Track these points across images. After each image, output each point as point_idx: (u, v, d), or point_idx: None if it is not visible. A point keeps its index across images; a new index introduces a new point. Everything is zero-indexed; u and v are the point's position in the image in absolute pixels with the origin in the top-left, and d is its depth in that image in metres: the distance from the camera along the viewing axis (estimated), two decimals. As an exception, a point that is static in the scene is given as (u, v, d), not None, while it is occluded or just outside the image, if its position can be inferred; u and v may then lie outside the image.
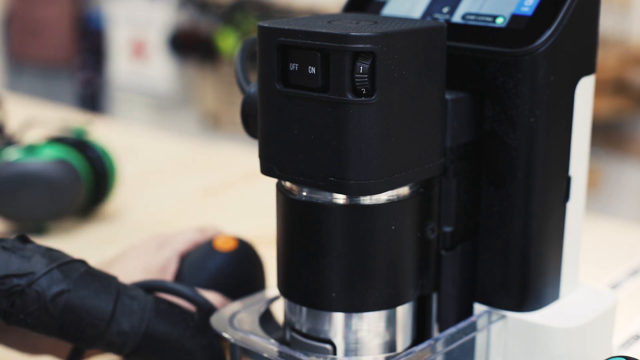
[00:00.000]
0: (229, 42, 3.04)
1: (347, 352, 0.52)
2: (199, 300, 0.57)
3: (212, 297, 0.60)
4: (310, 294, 0.52)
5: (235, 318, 0.56)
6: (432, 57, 0.49)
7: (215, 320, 0.56)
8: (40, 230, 0.92)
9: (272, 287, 0.61)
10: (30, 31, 3.57)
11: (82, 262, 0.54)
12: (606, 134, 2.49)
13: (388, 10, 0.57)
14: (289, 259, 0.52)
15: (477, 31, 0.53)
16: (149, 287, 0.57)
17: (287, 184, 0.52)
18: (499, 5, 0.53)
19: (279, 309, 0.58)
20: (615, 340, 0.66)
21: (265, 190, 0.73)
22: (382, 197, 0.50)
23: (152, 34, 3.30)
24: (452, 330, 0.54)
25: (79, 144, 0.96)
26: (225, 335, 0.54)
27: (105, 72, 3.56)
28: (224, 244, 0.64)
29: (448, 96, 0.52)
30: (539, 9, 0.51)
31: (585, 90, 0.54)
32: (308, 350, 0.53)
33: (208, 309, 0.57)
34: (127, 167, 1.08)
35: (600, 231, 0.95)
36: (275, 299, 0.60)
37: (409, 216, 0.51)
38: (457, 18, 0.54)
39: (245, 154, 1.24)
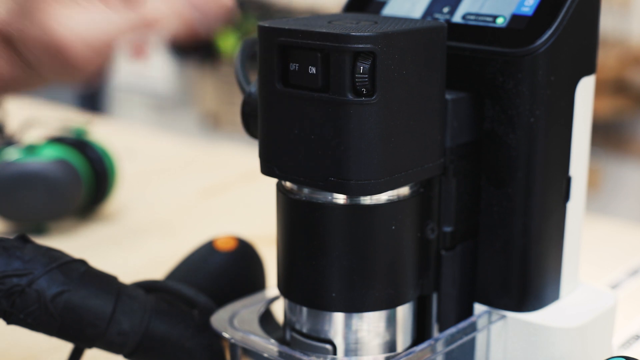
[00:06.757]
0: (229, 42, 3.04)
1: (347, 352, 0.52)
2: (199, 300, 0.57)
3: None
4: (311, 294, 0.52)
5: (235, 318, 0.56)
6: (432, 57, 0.49)
7: (215, 320, 0.56)
8: (40, 230, 0.92)
9: (272, 287, 0.61)
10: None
11: (82, 262, 0.54)
12: (606, 134, 2.49)
13: (388, 10, 0.57)
14: (289, 259, 0.52)
15: (477, 31, 0.53)
16: (149, 287, 0.57)
17: (287, 184, 0.52)
18: (499, 5, 0.53)
19: (279, 309, 0.58)
20: (615, 340, 0.66)
21: (265, 190, 0.73)
22: (382, 197, 0.50)
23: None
24: (452, 330, 0.54)
25: (79, 144, 0.96)
26: (225, 335, 0.54)
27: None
28: (224, 244, 0.64)
29: (448, 96, 0.52)
30: (539, 9, 0.51)
31: (585, 91, 0.54)
32: (308, 350, 0.53)
33: (208, 309, 0.57)
34: (127, 167, 1.08)
35: (600, 231, 0.95)
36: (275, 299, 0.60)
37: (409, 216, 0.51)
38: (457, 18, 0.54)
39: (245, 154, 1.24)
